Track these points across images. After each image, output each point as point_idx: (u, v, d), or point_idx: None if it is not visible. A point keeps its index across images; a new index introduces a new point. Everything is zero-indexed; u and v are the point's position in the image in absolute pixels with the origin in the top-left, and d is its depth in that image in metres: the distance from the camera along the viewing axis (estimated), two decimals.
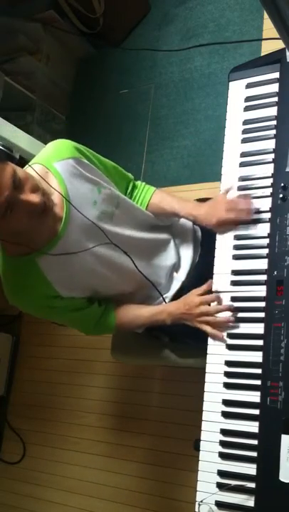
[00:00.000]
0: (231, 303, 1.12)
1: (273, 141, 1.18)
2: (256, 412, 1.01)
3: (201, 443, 1.06)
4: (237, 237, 1.17)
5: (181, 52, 2.37)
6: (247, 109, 1.25)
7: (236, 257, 1.16)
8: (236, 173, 1.22)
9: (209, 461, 1.04)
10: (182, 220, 1.42)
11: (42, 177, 1.09)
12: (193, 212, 1.27)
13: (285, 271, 1.05)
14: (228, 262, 1.16)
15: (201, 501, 1.01)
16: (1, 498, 2.30)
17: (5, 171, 0.97)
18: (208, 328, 1.13)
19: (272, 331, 1.03)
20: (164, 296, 1.35)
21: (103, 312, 1.28)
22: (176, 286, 1.37)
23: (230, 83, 1.30)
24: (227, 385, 1.07)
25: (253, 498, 0.97)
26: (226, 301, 1.14)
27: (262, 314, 1.07)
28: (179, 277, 1.38)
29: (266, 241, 1.12)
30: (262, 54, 2.05)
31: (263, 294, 1.08)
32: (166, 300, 1.36)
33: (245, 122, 1.24)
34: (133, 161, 2.39)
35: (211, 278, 1.18)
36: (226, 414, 1.06)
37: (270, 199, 1.14)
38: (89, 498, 2.06)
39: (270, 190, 1.14)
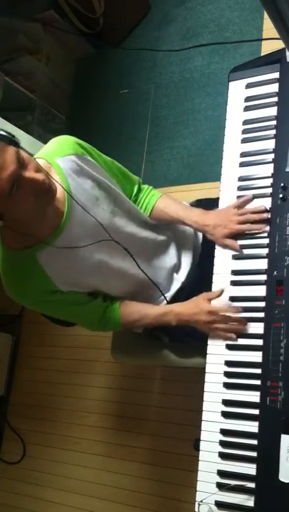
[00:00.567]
0: (242, 315, 1.11)
1: (273, 141, 1.18)
2: (256, 412, 1.01)
3: (201, 443, 1.06)
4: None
5: (181, 52, 2.36)
6: (247, 109, 1.25)
7: (236, 257, 1.16)
8: (236, 173, 1.22)
9: (209, 461, 1.04)
10: None
11: (47, 170, 1.09)
12: (200, 221, 1.24)
13: (285, 271, 1.05)
14: (228, 262, 1.16)
15: (201, 501, 1.01)
16: (1, 498, 2.30)
17: (8, 150, 0.98)
18: (220, 333, 1.12)
19: (272, 331, 1.03)
20: (161, 297, 1.35)
21: (108, 308, 1.26)
22: (176, 286, 1.37)
23: (230, 83, 1.30)
24: (227, 385, 1.07)
25: (252, 498, 0.97)
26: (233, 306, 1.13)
27: (262, 314, 1.07)
28: (179, 278, 1.38)
29: (266, 241, 1.12)
30: (262, 54, 2.05)
31: (263, 294, 1.08)
32: (165, 302, 1.36)
33: (245, 122, 1.24)
34: (133, 161, 2.39)
35: (211, 278, 1.18)
36: (225, 414, 1.06)
37: (270, 199, 1.14)
38: (89, 498, 2.06)
39: (270, 190, 1.14)
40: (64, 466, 2.17)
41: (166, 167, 2.31)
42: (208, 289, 1.18)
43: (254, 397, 1.03)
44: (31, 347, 2.44)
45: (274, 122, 1.20)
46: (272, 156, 1.17)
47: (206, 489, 1.02)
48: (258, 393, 1.02)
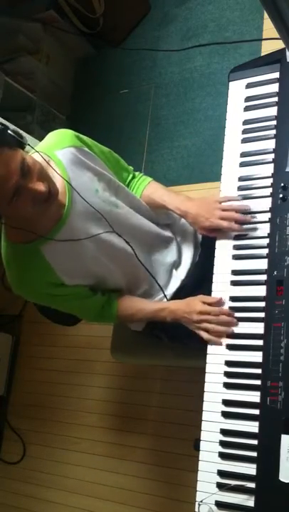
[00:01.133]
0: (234, 318, 1.11)
1: (273, 141, 1.18)
2: (256, 412, 1.01)
3: (201, 443, 1.06)
4: (237, 237, 1.17)
5: (181, 52, 2.36)
6: (247, 109, 1.25)
7: (236, 257, 1.16)
8: (236, 173, 1.22)
9: (209, 461, 1.04)
10: (183, 220, 1.42)
11: (47, 162, 1.10)
12: (182, 207, 1.26)
13: (285, 271, 1.05)
14: (228, 262, 1.16)
15: (201, 501, 1.01)
16: (1, 498, 2.30)
17: (14, 157, 0.98)
18: (204, 335, 1.14)
19: (272, 331, 1.03)
20: (161, 295, 1.35)
21: (106, 301, 1.28)
22: (175, 284, 1.37)
23: (230, 83, 1.30)
24: (227, 385, 1.07)
25: (253, 498, 0.97)
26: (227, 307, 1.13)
27: (262, 314, 1.07)
28: (179, 275, 1.38)
29: (266, 241, 1.12)
30: (262, 54, 2.05)
31: (263, 294, 1.08)
32: (167, 298, 1.36)
33: (245, 122, 1.24)
34: (133, 161, 2.36)
35: (211, 278, 1.18)
36: (225, 414, 1.06)
37: (270, 199, 1.14)
38: (89, 498, 2.06)
39: (270, 190, 1.14)
40: (64, 466, 2.17)
41: (166, 167, 2.31)
42: (209, 289, 1.18)
43: (254, 397, 1.03)
44: (31, 347, 2.44)
45: (274, 122, 1.19)
46: (272, 156, 1.17)
47: (206, 489, 1.02)
48: (258, 393, 1.02)
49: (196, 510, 1.01)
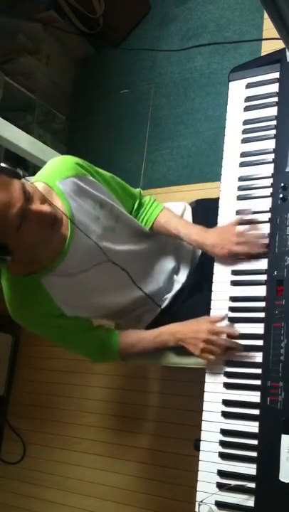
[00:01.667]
0: (240, 342, 1.08)
1: (273, 141, 1.18)
2: (256, 412, 1.01)
3: (201, 443, 1.06)
4: None
5: (181, 52, 2.36)
6: (247, 109, 1.25)
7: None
8: (236, 173, 1.22)
9: (209, 461, 1.04)
10: None
11: (46, 196, 1.08)
12: (198, 239, 1.22)
13: (285, 271, 1.05)
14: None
15: (201, 501, 1.01)
16: (1, 498, 2.30)
17: (14, 185, 0.99)
18: (210, 358, 1.09)
19: (272, 331, 1.03)
20: (163, 297, 1.36)
21: (107, 336, 1.27)
22: (176, 288, 1.37)
23: (231, 83, 1.30)
24: (227, 385, 1.07)
25: (253, 498, 0.97)
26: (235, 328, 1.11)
27: (262, 314, 1.07)
28: (179, 279, 1.38)
29: (266, 241, 1.12)
30: (262, 54, 2.05)
31: (263, 294, 1.08)
32: (166, 301, 1.36)
33: (245, 122, 1.24)
34: (133, 161, 2.39)
35: (211, 278, 1.18)
36: (225, 414, 1.06)
37: (270, 199, 1.14)
38: (89, 498, 2.06)
39: (270, 190, 1.14)
40: (64, 466, 2.17)
41: (166, 167, 2.31)
42: (209, 289, 1.18)
43: (254, 397, 1.03)
44: (31, 347, 2.44)
45: (274, 122, 1.20)
46: (272, 156, 1.17)
47: (206, 489, 1.02)
48: (258, 393, 1.02)
49: (196, 510, 1.01)
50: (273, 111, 1.21)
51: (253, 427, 1.01)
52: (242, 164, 1.22)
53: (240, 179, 1.21)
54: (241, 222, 1.16)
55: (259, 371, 1.03)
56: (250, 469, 0.99)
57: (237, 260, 1.14)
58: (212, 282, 1.17)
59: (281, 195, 1.11)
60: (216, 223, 1.22)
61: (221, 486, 1.01)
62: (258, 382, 1.03)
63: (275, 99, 1.21)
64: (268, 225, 1.12)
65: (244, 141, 1.23)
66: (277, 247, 1.08)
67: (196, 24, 2.41)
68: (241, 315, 1.11)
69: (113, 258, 1.20)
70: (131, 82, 2.56)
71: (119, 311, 1.32)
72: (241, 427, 1.03)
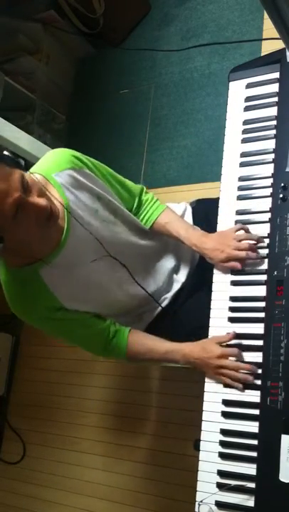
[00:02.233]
0: (254, 367, 1.05)
1: (273, 141, 1.18)
2: (256, 412, 1.01)
3: (201, 443, 1.06)
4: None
5: (181, 52, 2.36)
6: (247, 109, 1.25)
7: None
8: (236, 173, 1.22)
9: (209, 461, 1.04)
10: None
11: (45, 186, 1.09)
12: (198, 243, 1.22)
13: (285, 271, 1.05)
14: None
15: (201, 501, 1.01)
16: (1, 498, 2.30)
17: (13, 175, 0.99)
18: (227, 380, 1.08)
19: (272, 331, 1.03)
20: (163, 297, 1.36)
21: (116, 333, 1.24)
22: (176, 287, 1.37)
23: (231, 83, 1.30)
24: (227, 385, 1.07)
25: (253, 498, 0.97)
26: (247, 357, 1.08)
27: (262, 314, 1.07)
28: (179, 279, 1.38)
29: (266, 241, 1.12)
30: (262, 54, 2.05)
31: (263, 294, 1.08)
32: (166, 301, 1.36)
33: (246, 122, 1.24)
34: (133, 161, 2.39)
35: (211, 278, 1.18)
36: (225, 414, 1.06)
37: (270, 199, 1.14)
38: (89, 498, 2.06)
39: (270, 190, 1.14)
40: (64, 466, 2.17)
41: (166, 167, 2.31)
42: (208, 289, 1.18)
43: (254, 397, 1.03)
44: (31, 347, 2.44)
45: (274, 122, 1.20)
46: (272, 156, 1.17)
47: (206, 489, 1.02)
48: (259, 393, 1.02)
49: (196, 510, 1.01)
50: (273, 111, 1.21)
51: (253, 427, 1.01)
52: (242, 164, 1.22)
53: (240, 179, 1.21)
54: (241, 229, 1.16)
55: (259, 371, 1.03)
56: (250, 469, 0.99)
57: (235, 265, 1.14)
58: (212, 282, 1.17)
59: (281, 195, 1.11)
60: (216, 223, 1.22)
61: (221, 486, 1.01)
62: (258, 382, 1.03)
63: (275, 99, 1.21)
64: (268, 225, 1.12)
65: (244, 141, 1.23)
66: (277, 247, 1.08)
67: (196, 24, 2.41)
68: (241, 315, 1.11)
69: (112, 252, 1.19)
70: (131, 82, 2.57)
71: (118, 308, 1.31)
72: (241, 427, 1.03)
